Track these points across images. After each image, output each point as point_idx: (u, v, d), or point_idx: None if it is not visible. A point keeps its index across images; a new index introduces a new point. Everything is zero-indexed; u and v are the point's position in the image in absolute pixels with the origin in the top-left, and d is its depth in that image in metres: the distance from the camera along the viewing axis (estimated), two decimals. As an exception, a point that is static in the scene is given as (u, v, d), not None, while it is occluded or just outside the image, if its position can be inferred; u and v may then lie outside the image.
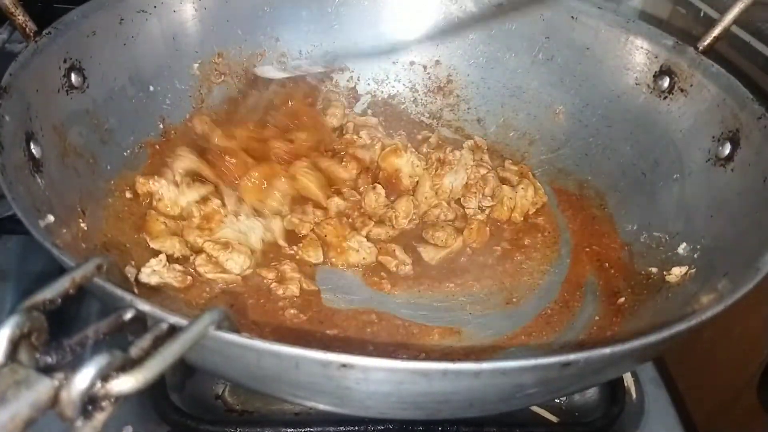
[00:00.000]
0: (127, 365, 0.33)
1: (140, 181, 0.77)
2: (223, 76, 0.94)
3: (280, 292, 0.73)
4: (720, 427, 0.84)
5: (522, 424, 0.68)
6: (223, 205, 0.78)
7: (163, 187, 0.78)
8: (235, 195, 0.80)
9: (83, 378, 0.31)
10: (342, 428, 0.65)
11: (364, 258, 0.79)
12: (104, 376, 0.31)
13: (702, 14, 0.96)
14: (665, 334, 0.44)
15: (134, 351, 0.34)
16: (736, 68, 0.83)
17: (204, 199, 0.78)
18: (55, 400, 0.31)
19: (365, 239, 0.80)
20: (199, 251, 0.74)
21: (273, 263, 0.77)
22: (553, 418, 0.71)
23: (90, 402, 0.31)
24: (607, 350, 0.41)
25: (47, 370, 0.32)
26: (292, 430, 0.65)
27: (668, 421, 0.73)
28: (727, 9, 0.77)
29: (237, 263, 0.73)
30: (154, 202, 0.77)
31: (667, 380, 0.77)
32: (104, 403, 0.32)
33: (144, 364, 0.33)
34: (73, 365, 0.31)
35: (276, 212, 0.81)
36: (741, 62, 0.89)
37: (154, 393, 0.66)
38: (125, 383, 0.32)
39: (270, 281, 0.74)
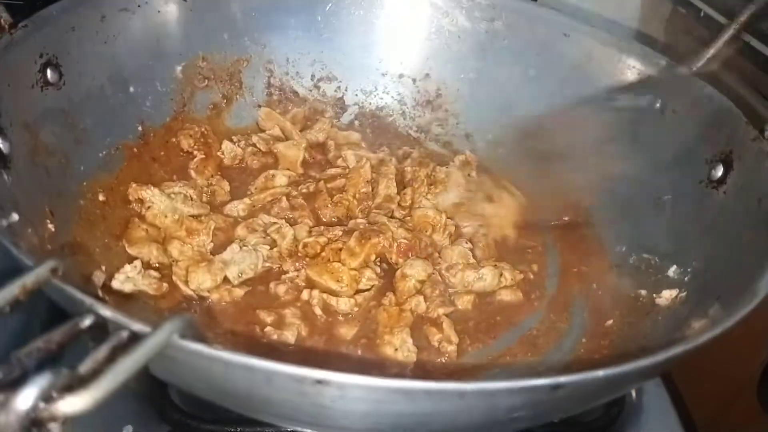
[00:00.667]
0: (75, 383, 0.30)
1: (133, 187, 0.76)
2: (206, 81, 0.91)
3: (273, 337, 0.67)
4: (720, 427, 0.82)
5: (521, 423, 0.66)
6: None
7: (155, 196, 0.76)
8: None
9: (24, 399, 0.28)
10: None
11: (398, 358, 0.68)
12: (47, 397, 0.28)
13: (702, 14, 0.95)
14: (660, 357, 0.42)
15: (87, 365, 0.31)
16: (735, 68, 0.82)
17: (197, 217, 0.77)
18: (-6, 424, 0.28)
19: (410, 340, 0.69)
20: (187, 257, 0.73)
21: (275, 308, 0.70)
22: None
23: (34, 424, 0.28)
24: (600, 373, 0.39)
25: (-11, 389, 0.29)
26: (291, 429, 0.62)
27: (668, 421, 0.72)
28: (727, 9, 0.76)
29: (196, 280, 0.69)
30: (143, 210, 0.76)
31: (667, 380, 0.76)
32: (51, 425, 0.29)
33: (94, 382, 0.30)
34: (19, 382, 0.28)
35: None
36: (741, 62, 0.88)
37: (154, 393, 0.64)
38: (72, 404, 0.29)
39: (266, 324, 0.68)
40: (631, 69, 0.86)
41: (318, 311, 0.71)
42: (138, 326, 0.36)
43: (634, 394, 0.73)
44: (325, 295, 0.72)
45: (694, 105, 0.78)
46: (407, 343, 0.68)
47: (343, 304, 0.71)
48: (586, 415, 0.69)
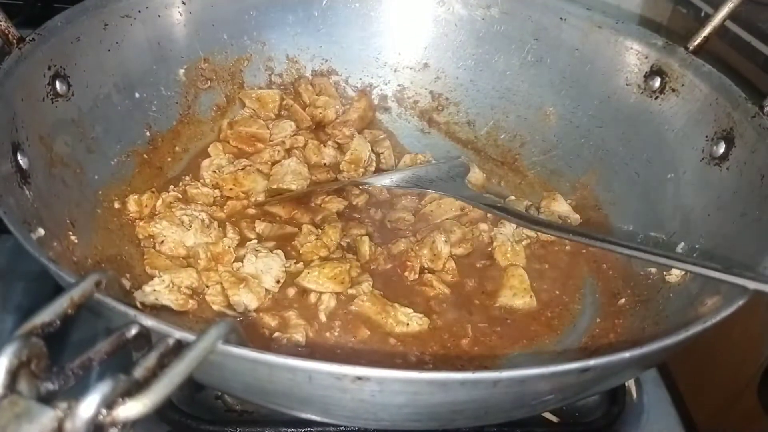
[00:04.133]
0: (133, 389, 0.31)
1: (140, 225, 0.74)
2: (209, 82, 0.92)
3: (284, 341, 0.67)
4: (720, 427, 0.83)
5: (523, 424, 0.68)
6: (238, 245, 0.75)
7: (165, 230, 0.74)
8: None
9: (87, 407, 0.29)
10: (342, 428, 0.64)
11: (417, 328, 0.70)
12: (109, 403, 0.30)
13: (702, 14, 0.97)
14: (681, 336, 0.44)
15: (139, 372, 0.33)
16: (735, 68, 0.83)
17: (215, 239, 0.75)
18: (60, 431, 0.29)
19: (411, 309, 0.71)
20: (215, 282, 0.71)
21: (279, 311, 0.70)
22: (554, 418, 0.71)
23: (97, 430, 0.30)
24: (626, 354, 0.41)
25: (49, 399, 0.31)
26: (292, 429, 0.65)
27: (668, 421, 0.73)
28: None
29: (243, 301, 0.69)
30: (157, 245, 0.74)
31: (667, 380, 0.77)
32: (112, 430, 0.30)
33: (151, 387, 0.32)
34: (76, 391, 0.30)
35: None
36: (741, 62, 0.89)
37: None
38: (132, 409, 0.31)
39: (272, 329, 0.68)
40: (629, 50, 0.87)
41: (323, 317, 0.71)
42: (182, 334, 0.38)
43: (634, 394, 0.74)
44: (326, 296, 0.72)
45: (693, 83, 0.79)
46: (412, 314, 0.71)
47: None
48: (586, 415, 0.71)
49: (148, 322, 0.38)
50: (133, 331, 0.38)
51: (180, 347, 0.37)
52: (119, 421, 0.31)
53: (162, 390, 0.32)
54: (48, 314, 0.35)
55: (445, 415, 0.44)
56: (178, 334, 0.38)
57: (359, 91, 1.01)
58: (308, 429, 0.65)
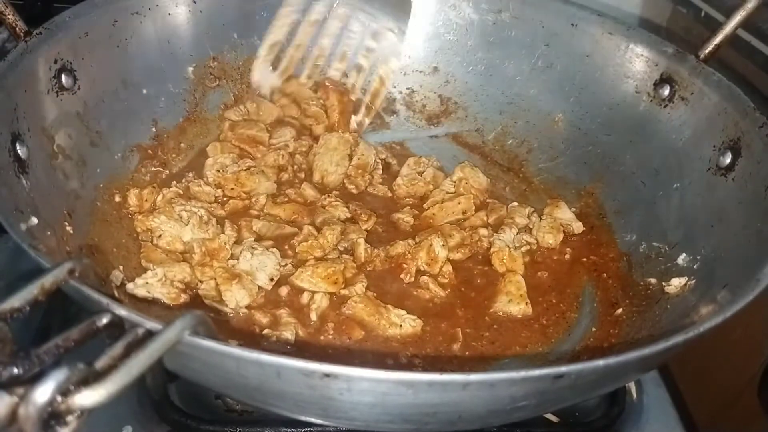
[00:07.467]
0: (91, 377, 0.31)
1: (139, 219, 0.75)
2: (218, 81, 0.93)
3: (273, 339, 0.67)
4: (720, 427, 0.82)
5: (523, 424, 0.67)
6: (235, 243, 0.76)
7: (163, 224, 0.74)
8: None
9: (42, 393, 0.30)
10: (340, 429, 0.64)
11: (410, 330, 0.70)
12: (65, 391, 0.30)
13: (703, 14, 0.95)
14: (661, 346, 0.43)
15: (102, 361, 0.33)
16: (734, 68, 0.82)
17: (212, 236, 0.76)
18: (13, 417, 0.29)
19: (404, 311, 0.71)
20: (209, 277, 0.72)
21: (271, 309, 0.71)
22: (554, 418, 0.70)
23: (52, 417, 0.30)
24: (600, 362, 0.40)
25: (12, 383, 0.31)
26: (292, 429, 0.65)
27: (668, 421, 0.72)
28: (727, 9, 0.75)
29: (234, 298, 0.69)
30: (155, 239, 0.74)
31: (667, 380, 0.76)
32: (68, 418, 0.30)
33: (109, 376, 0.32)
34: (38, 378, 0.30)
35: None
36: (740, 62, 0.88)
37: (154, 393, 0.66)
38: (88, 397, 0.31)
39: (263, 326, 0.69)
40: (640, 57, 0.86)
41: (314, 316, 0.71)
42: (151, 324, 0.38)
43: (634, 394, 0.73)
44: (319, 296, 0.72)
45: (703, 92, 0.78)
46: (404, 315, 0.71)
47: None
48: (586, 415, 0.70)
49: (120, 310, 0.38)
50: (105, 319, 0.38)
51: (149, 337, 0.37)
52: (75, 408, 0.31)
53: (120, 380, 0.32)
54: (18, 300, 0.35)
55: (418, 418, 0.44)
56: (149, 324, 0.38)
57: (322, 89, 0.97)
58: (308, 429, 0.65)
